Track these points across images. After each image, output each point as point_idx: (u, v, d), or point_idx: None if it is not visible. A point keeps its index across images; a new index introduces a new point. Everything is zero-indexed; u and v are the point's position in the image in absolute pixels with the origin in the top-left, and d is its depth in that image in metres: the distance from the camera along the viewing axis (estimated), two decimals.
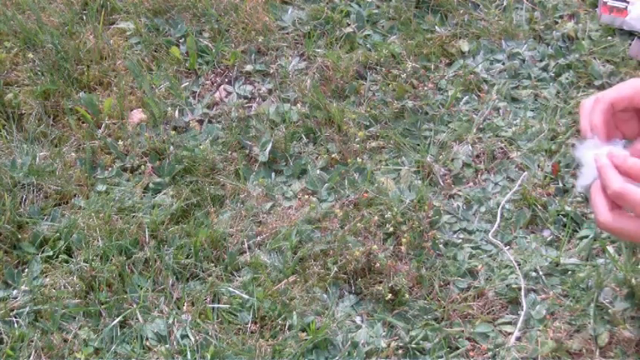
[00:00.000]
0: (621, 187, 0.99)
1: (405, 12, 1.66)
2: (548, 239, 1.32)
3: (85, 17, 1.67)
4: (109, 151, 1.46)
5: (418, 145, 1.46)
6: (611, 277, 1.26)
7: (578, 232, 1.33)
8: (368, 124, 1.49)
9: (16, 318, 1.23)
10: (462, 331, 1.22)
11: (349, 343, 1.20)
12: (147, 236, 1.32)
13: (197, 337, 1.20)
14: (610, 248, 1.30)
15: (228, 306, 1.24)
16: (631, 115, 1.10)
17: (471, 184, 1.42)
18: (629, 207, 0.99)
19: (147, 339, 1.21)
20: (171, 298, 1.25)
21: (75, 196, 1.39)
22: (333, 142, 1.46)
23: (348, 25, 1.65)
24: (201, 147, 1.43)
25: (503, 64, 1.59)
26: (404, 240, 1.31)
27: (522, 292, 1.25)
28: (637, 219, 0.98)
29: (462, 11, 1.67)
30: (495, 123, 1.49)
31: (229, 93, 1.56)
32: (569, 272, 1.28)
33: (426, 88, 1.54)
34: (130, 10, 1.68)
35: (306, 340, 1.19)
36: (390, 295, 1.25)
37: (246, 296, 1.25)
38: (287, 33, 1.65)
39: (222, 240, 1.32)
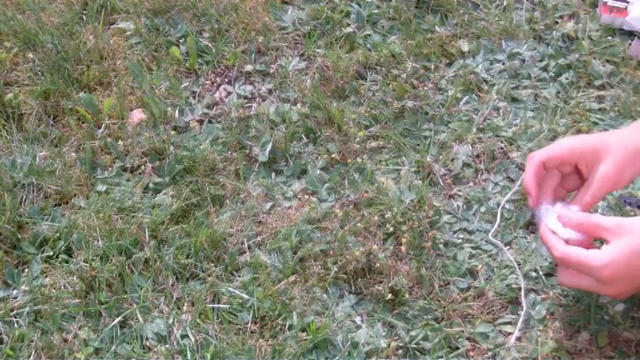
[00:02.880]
0: (561, 252, 1.10)
1: (405, 12, 1.66)
2: None
3: (85, 17, 1.67)
4: (109, 151, 1.46)
5: (418, 145, 1.46)
6: None
7: None
8: (368, 124, 1.49)
9: (16, 318, 1.22)
10: (462, 331, 1.22)
11: (349, 343, 1.20)
12: (147, 236, 1.32)
13: (197, 337, 1.20)
14: None
15: (228, 306, 1.24)
16: (571, 171, 1.20)
17: (471, 184, 1.42)
18: (574, 268, 1.08)
19: (147, 339, 1.21)
20: (171, 298, 1.25)
21: (75, 196, 1.39)
22: (333, 142, 1.46)
23: (348, 25, 1.65)
24: (201, 147, 1.43)
25: (503, 64, 1.59)
26: (404, 240, 1.30)
27: (522, 292, 1.25)
28: (586, 276, 1.09)
29: (462, 11, 1.67)
30: (495, 123, 1.49)
31: (229, 93, 1.56)
32: None
33: (426, 88, 1.54)
34: (130, 10, 1.68)
35: (306, 340, 1.19)
36: (390, 295, 1.25)
37: (246, 296, 1.25)
38: (287, 33, 1.65)
39: (222, 240, 1.32)
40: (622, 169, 1.14)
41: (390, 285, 1.25)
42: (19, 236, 1.32)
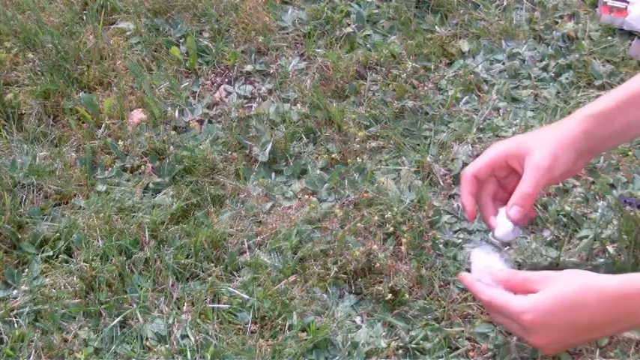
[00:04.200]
0: (488, 297, 1.10)
1: (405, 12, 1.66)
2: (548, 239, 1.32)
3: (85, 17, 1.67)
4: (109, 151, 1.46)
5: (418, 145, 1.46)
6: None
7: (578, 232, 1.33)
8: (368, 124, 1.49)
9: (16, 318, 1.22)
10: (462, 331, 1.22)
11: (349, 343, 1.20)
12: (147, 236, 1.32)
13: (197, 337, 1.20)
14: (610, 248, 1.30)
15: (228, 306, 1.24)
16: (507, 173, 1.20)
17: None
18: (499, 312, 1.10)
19: (147, 339, 1.21)
20: (171, 298, 1.25)
21: (75, 196, 1.39)
22: (333, 142, 1.46)
23: (348, 25, 1.65)
24: (201, 147, 1.43)
25: (503, 64, 1.59)
26: (404, 240, 1.30)
27: None
28: (507, 318, 1.09)
29: (462, 11, 1.67)
30: (495, 123, 1.49)
31: (229, 93, 1.56)
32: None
33: (426, 88, 1.54)
34: (130, 10, 1.68)
35: (306, 340, 1.19)
36: (390, 295, 1.25)
37: (246, 296, 1.25)
38: (287, 33, 1.65)
39: (222, 240, 1.32)
40: (555, 155, 1.13)
41: (390, 285, 1.25)
42: (19, 236, 1.32)
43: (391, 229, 1.33)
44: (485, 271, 1.13)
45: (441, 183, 1.41)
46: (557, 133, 1.15)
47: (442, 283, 1.28)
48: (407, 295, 1.25)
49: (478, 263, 1.16)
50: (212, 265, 1.29)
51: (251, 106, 1.54)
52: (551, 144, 1.14)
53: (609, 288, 1.03)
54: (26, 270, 1.28)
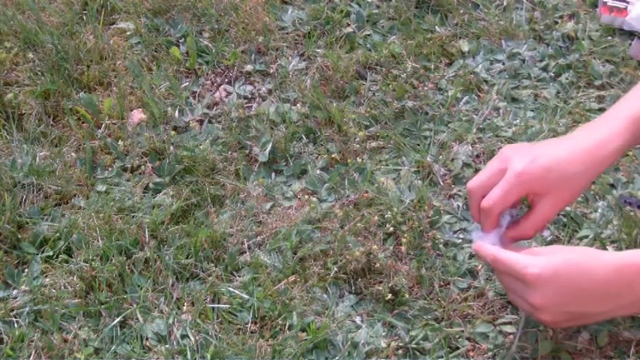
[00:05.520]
0: (494, 255, 1.08)
1: (405, 12, 1.66)
2: (548, 239, 1.32)
3: (85, 17, 1.67)
4: (109, 151, 1.46)
5: (418, 145, 1.46)
6: None
7: (578, 232, 1.33)
8: (368, 124, 1.49)
9: (16, 318, 1.22)
10: (462, 331, 1.22)
11: (349, 343, 1.20)
12: (147, 236, 1.32)
13: (197, 337, 1.20)
14: (610, 248, 1.30)
15: (228, 306, 1.24)
16: None
17: None
18: (504, 269, 1.08)
19: (147, 339, 1.21)
20: (171, 298, 1.25)
21: (75, 196, 1.39)
22: (333, 142, 1.46)
23: (348, 25, 1.65)
24: (201, 147, 1.43)
25: (503, 64, 1.59)
26: (404, 240, 1.31)
27: None
28: (511, 277, 1.07)
29: (462, 11, 1.67)
30: (495, 123, 1.49)
31: (229, 93, 1.56)
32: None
33: (426, 88, 1.54)
34: (130, 10, 1.68)
35: (306, 340, 1.19)
36: (390, 295, 1.25)
37: (246, 296, 1.25)
38: (287, 33, 1.65)
39: (222, 240, 1.32)
40: (565, 201, 1.12)
41: (390, 285, 1.25)
42: (19, 236, 1.32)
43: (391, 229, 1.33)
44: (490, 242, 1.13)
45: (441, 183, 1.41)
46: (568, 180, 1.10)
47: (442, 283, 1.28)
48: (407, 295, 1.25)
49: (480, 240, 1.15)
50: (212, 265, 1.29)
51: (251, 106, 1.54)
52: (561, 196, 1.11)
53: (610, 259, 1.04)
54: (26, 270, 1.28)
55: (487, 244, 1.12)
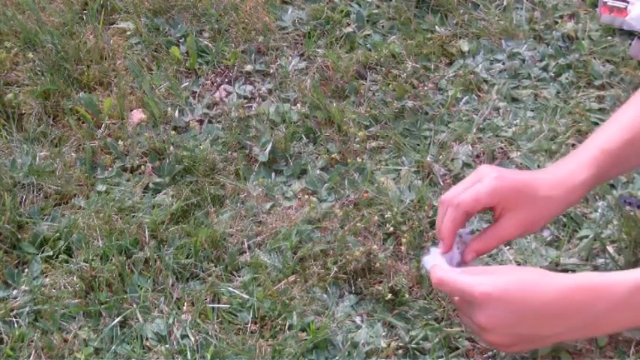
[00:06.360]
0: (438, 277, 1.07)
1: (405, 12, 1.66)
2: (548, 239, 1.32)
3: (85, 17, 1.68)
4: (109, 151, 1.46)
5: (418, 145, 1.46)
6: None
7: (578, 232, 1.33)
8: (368, 124, 1.49)
9: (16, 318, 1.22)
10: (462, 331, 1.22)
11: (349, 343, 1.20)
12: (147, 236, 1.32)
13: (197, 337, 1.20)
14: (610, 248, 1.30)
15: (228, 306, 1.24)
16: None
17: None
18: (451, 291, 1.06)
19: (147, 339, 1.21)
20: (171, 298, 1.25)
21: (75, 196, 1.39)
22: (333, 142, 1.46)
23: (348, 25, 1.65)
24: (201, 147, 1.43)
25: (503, 64, 1.59)
26: (404, 240, 1.30)
27: None
28: (460, 300, 1.06)
29: (462, 11, 1.67)
30: (495, 123, 1.49)
31: (229, 93, 1.56)
32: (569, 272, 1.28)
33: (426, 88, 1.54)
34: (130, 10, 1.68)
35: (306, 340, 1.19)
36: (390, 295, 1.25)
37: (246, 296, 1.25)
38: (287, 33, 1.65)
39: (222, 240, 1.32)
40: (533, 222, 1.11)
41: (390, 285, 1.25)
42: (19, 236, 1.32)
43: (391, 229, 1.33)
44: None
45: (441, 183, 1.41)
46: (538, 202, 1.10)
47: None
48: (407, 295, 1.25)
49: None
50: (212, 265, 1.29)
51: (251, 106, 1.54)
52: (530, 215, 1.10)
53: (562, 280, 1.02)
54: (26, 270, 1.28)
55: (436, 266, 1.09)
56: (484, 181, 1.10)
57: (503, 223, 1.10)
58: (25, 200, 1.37)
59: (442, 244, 1.11)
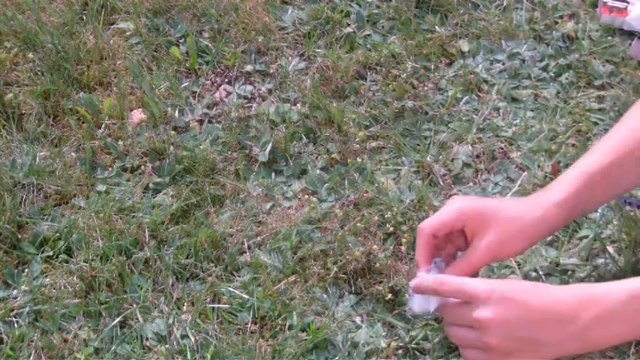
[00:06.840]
0: (439, 280, 1.08)
1: (405, 12, 1.66)
2: (548, 239, 1.32)
3: (85, 17, 1.68)
4: (109, 151, 1.46)
5: (418, 145, 1.46)
6: (611, 277, 1.26)
7: (578, 232, 1.33)
8: (368, 124, 1.49)
9: (16, 318, 1.22)
10: None
11: (349, 343, 1.20)
12: (147, 236, 1.32)
13: (197, 337, 1.20)
14: (610, 248, 1.30)
15: (228, 306, 1.24)
16: (458, 234, 1.15)
17: (471, 184, 1.41)
18: (453, 295, 1.06)
19: (147, 339, 1.21)
20: (171, 298, 1.25)
21: (75, 196, 1.39)
22: (333, 142, 1.46)
23: (348, 25, 1.65)
24: (201, 147, 1.43)
25: (503, 64, 1.59)
26: (404, 240, 1.30)
27: None
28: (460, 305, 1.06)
29: (462, 11, 1.67)
30: (495, 123, 1.49)
31: (229, 93, 1.56)
32: (569, 272, 1.28)
33: (426, 88, 1.54)
34: (130, 10, 1.68)
35: (306, 340, 1.19)
36: (390, 295, 1.25)
37: (246, 296, 1.25)
38: (287, 33, 1.65)
39: (222, 240, 1.32)
40: (503, 243, 1.10)
41: (390, 285, 1.25)
42: (19, 236, 1.32)
43: (391, 229, 1.33)
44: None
45: (441, 183, 1.41)
46: (513, 221, 1.10)
47: None
48: (407, 296, 1.25)
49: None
50: (212, 265, 1.29)
51: (251, 106, 1.54)
52: (505, 233, 1.10)
53: (561, 287, 1.05)
54: (26, 270, 1.28)
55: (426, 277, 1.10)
56: (450, 204, 1.13)
57: (473, 247, 1.11)
58: (25, 200, 1.37)
59: (419, 271, 1.13)
